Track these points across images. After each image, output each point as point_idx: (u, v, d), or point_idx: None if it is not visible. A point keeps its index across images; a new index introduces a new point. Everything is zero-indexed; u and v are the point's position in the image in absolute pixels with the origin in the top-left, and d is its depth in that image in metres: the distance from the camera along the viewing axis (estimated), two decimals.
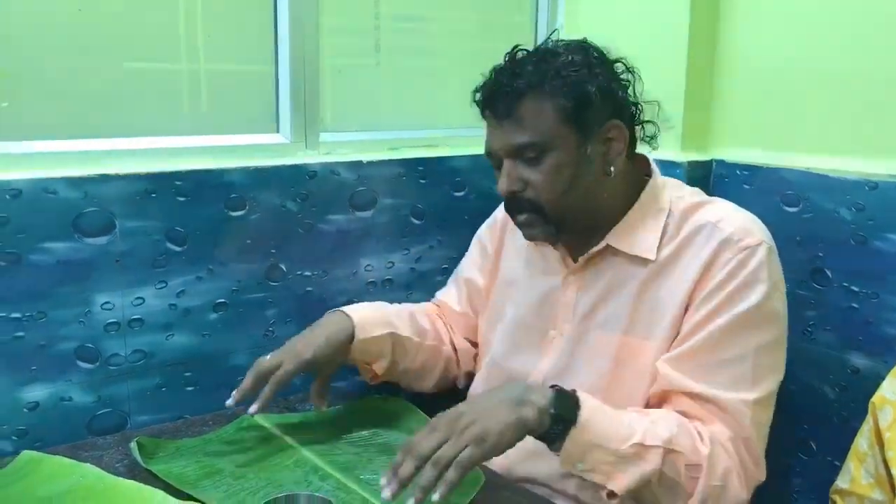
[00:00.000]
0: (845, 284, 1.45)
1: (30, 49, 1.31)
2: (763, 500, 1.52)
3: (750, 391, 1.14)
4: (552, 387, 1.06)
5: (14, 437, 1.28)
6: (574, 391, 1.07)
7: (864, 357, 1.43)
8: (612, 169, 1.20)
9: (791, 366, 1.52)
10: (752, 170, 1.60)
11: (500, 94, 1.18)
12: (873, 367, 1.41)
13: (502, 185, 1.20)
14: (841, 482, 1.19)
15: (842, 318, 1.46)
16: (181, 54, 1.48)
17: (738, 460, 1.12)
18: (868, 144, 1.44)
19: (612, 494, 1.06)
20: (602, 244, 1.24)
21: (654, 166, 1.29)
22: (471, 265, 1.49)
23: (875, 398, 1.14)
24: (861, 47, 1.44)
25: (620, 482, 1.05)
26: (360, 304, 1.41)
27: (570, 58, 1.18)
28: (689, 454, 1.08)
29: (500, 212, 1.46)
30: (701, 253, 1.18)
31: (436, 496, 0.97)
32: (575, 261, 1.28)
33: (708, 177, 1.66)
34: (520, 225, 1.24)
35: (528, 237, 1.26)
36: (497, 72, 1.21)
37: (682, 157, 1.65)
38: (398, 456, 1.02)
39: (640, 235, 1.22)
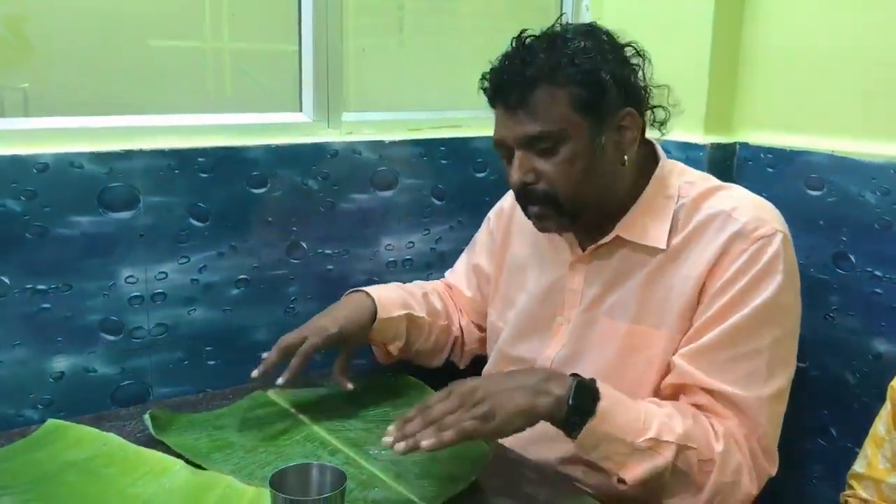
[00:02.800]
0: (869, 269, 1.43)
1: (56, 28, 1.33)
2: (782, 485, 1.52)
3: (765, 386, 1.13)
4: (573, 375, 1.07)
5: (40, 406, 1.31)
6: (594, 381, 1.07)
7: (886, 343, 1.42)
8: (625, 157, 1.18)
9: (812, 351, 1.52)
10: (776, 153, 1.58)
11: (511, 84, 1.14)
12: (895, 353, 1.40)
13: (514, 177, 1.17)
14: (858, 466, 1.18)
15: (865, 303, 1.44)
16: (206, 33, 1.50)
17: (749, 457, 1.12)
18: (895, 127, 1.42)
19: (622, 481, 1.06)
20: (611, 235, 1.22)
21: (660, 151, 1.26)
22: (481, 250, 1.49)
23: (894, 382, 1.13)
24: (889, 29, 1.42)
25: (633, 473, 1.05)
26: (377, 285, 1.42)
27: (581, 44, 1.14)
28: (703, 449, 1.07)
29: (506, 200, 1.46)
30: (714, 243, 1.15)
31: (424, 443, 0.99)
32: (583, 249, 1.26)
33: (731, 160, 1.64)
34: (532, 217, 1.21)
35: (541, 229, 1.24)
36: (507, 59, 1.16)
37: (705, 139, 1.63)
38: (411, 411, 1.04)
39: (649, 225, 1.20)
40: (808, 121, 1.55)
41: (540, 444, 1.22)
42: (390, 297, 1.38)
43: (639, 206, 1.21)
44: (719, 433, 1.10)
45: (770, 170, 1.59)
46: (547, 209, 1.18)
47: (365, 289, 1.38)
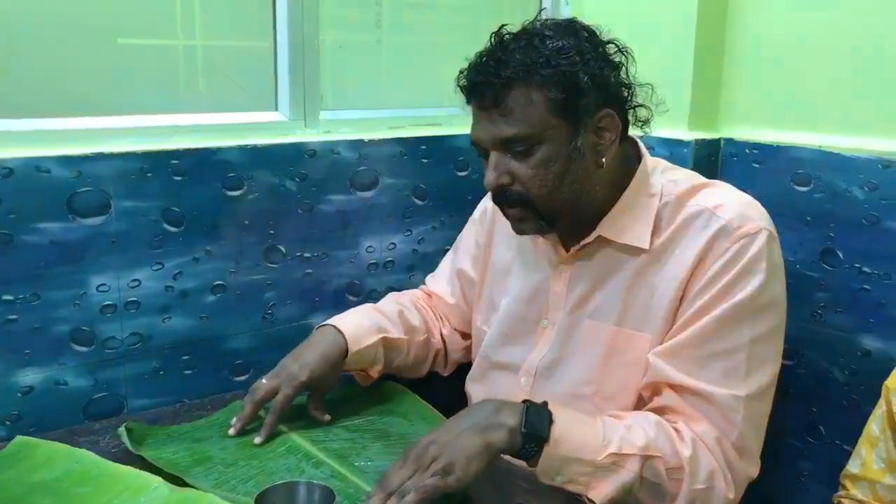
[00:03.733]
0: (857, 265, 1.42)
1: (21, 25, 1.27)
2: (771, 484, 1.51)
3: (742, 385, 1.10)
4: (524, 402, 1.05)
5: (8, 423, 1.26)
6: (545, 404, 1.05)
7: (875, 339, 1.41)
8: (603, 160, 1.14)
9: (800, 348, 1.50)
10: (763, 148, 1.56)
11: (486, 84, 1.10)
12: (885, 350, 1.39)
13: (489, 178, 1.14)
14: (852, 467, 1.17)
15: (853, 299, 1.43)
16: (177, 30, 1.44)
17: (723, 460, 1.09)
18: (882, 122, 1.41)
19: (592, 502, 1.04)
20: (593, 235, 1.19)
21: (643, 149, 1.23)
22: (464, 255, 1.45)
23: (889, 382, 1.11)
24: (875, 24, 1.41)
25: (600, 491, 1.03)
26: (348, 312, 1.37)
27: (559, 43, 1.09)
28: (669, 457, 1.05)
29: (488, 201, 1.42)
30: (697, 241, 1.13)
31: None
32: (567, 250, 1.24)
33: (716, 156, 1.62)
34: (509, 218, 1.19)
35: (518, 231, 1.21)
36: (483, 58, 1.12)
37: (689, 135, 1.61)
38: (372, 489, 1.01)
39: (631, 224, 1.17)
40: (795, 116, 1.54)
41: None
42: (362, 326, 1.33)
43: (621, 206, 1.18)
44: (686, 438, 1.07)
45: (756, 165, 1.57)
46: (524, 212, 1.15)
47: (335, 321, 1.32)
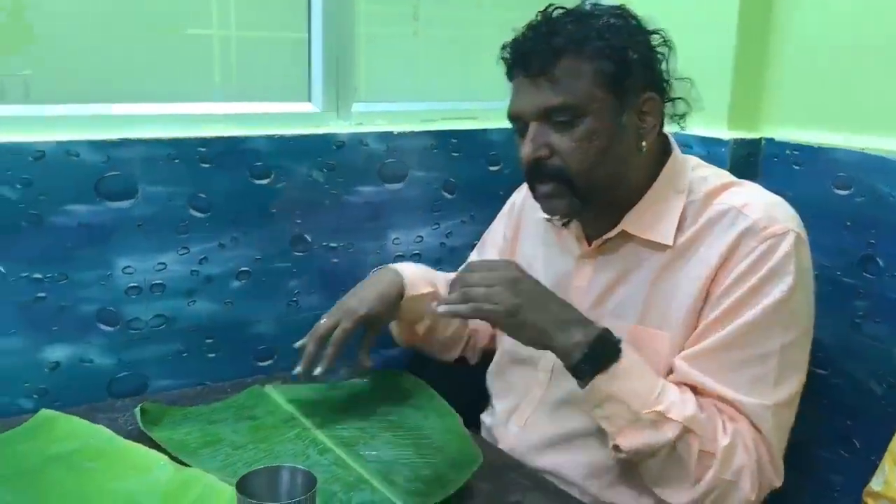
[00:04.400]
0: None
1: (59, 15, 1.32)
2: (801, 496, 1.46)
3: (771, 394, 1.07)
4: (603, 329, 1.07)
5: (35, 396, 1.31)
6: (619, 341, 1.06)
7: None
8: (643, 144, 1.13)
9: (836, 358, 1.45)
10: (803, 149, 1.50)
11: (535, 51, 1.08)
12: None
13: (526, 149, 1.11)
14: (874, 484, 1.12)
15: (893, 309, 1.37)
16: (213, 21, 1.47)
17: (755, 461, 1.07)
18: None
19: (617, 447, 1.05)
20: (617, 230, 1.17)
21: (674, 145, 1.20)
22: (490, 248, 1.45)
23: None
24: None
25: (629, 441, 1.04)
26: (406, 263, 1.40)
27: (610, 21, 1.11)
28: (707, 441, 1.04)
29: (518, 194, 1.41)
30: (722, 240, 1.09)
31: (442, 308, 1.08)
32: (590, 244, 1.22)
33: (756, 156, 1.57)
34: (541, 197, 1.15)
35: (549, 210, 1.18)
36: (532, 28, 1.11)
37: (728, 134, 1.56)
38: (456, 275, 1.12)
39: (656, 220, 1.15)
40: (838, 116, 1.47)
41: (548, 454, 1.20)
42: (418, 274, 1.36)
43: (647, 200, 1.16)
44: (728, 430, 1.05)
45: (796, 167, 1.51)
46: (558, 188, 1.12)
47: (394, 265, 1.36)
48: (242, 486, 0.84)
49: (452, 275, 1.43)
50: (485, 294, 1.05)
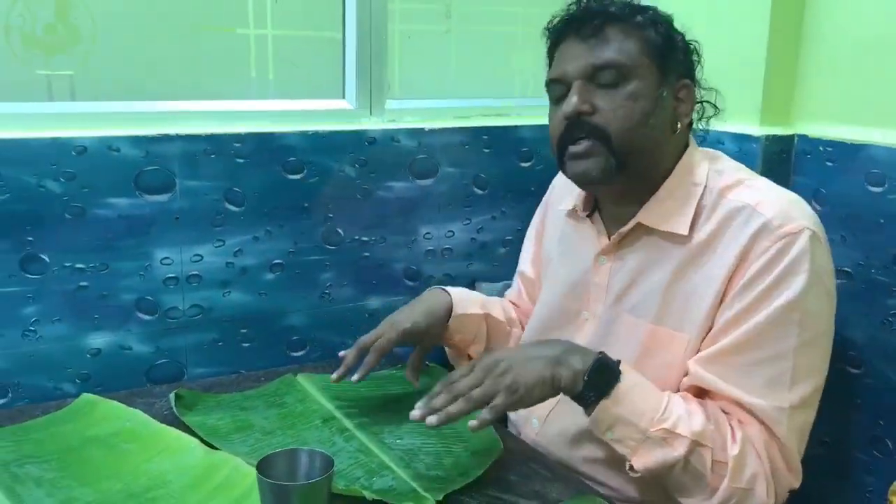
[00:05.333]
0: None
1: (103, 15, 1.38)
2: (832, 497, 1.44)
3: (787, 395, 1.06)
4: (599, 353, 1.06)
5: (77, 381, 1.36)
6: (618, 363, 1.06)
7: None
8: (678, 125, 1.15)
9: (868, 357, 1.43)
10: (837, 146, 1.48)
11: (590, 14, 1.13)
12: None
13: (570, 104, 1.10)
14: None
15: None
16: (250, 20, 1.51)
17: (769, 466, 1.06)
18: None
19: (632, 468, 1.05)
20: (634, 222, 1.17)
21: (691, 138, 1.21)
22: (525, 256, 1.46)
23: None
24: None
25: (643, 460, 1.03)
26: (458, 288, 1.41)
27: (655, 9, 1.16)
28: (718, 451, 1.03)
29: (550, 192, 1.43)
30: (737, 239, 1.09)
31: (452, 408, 1.02)
32: (609, 238, 1.22)
33: (788, 153, 1.55)
34: (575, 157, 1.13)
35: (582, 171, 1.13)
36: (583, 2, 1.16)
37: (760, 131, 1.55)
38: (437, 387, 1.07)
39: (671, 212, 1.15)
40: (873, 112, 1.45)
41: (570, 447, 1.21)
42: (468, 296, 1.37)
43: (664, 191, 1.16)
44: (737, 438, 1.05)
45: (829, 164, 1.49)
46: (595, 146, 1.11)
47: (445, 287, 1.38)
48: (263, 468, 0.88)
49: (507, 301, 1.47)
50: (482, 391, 1.03)
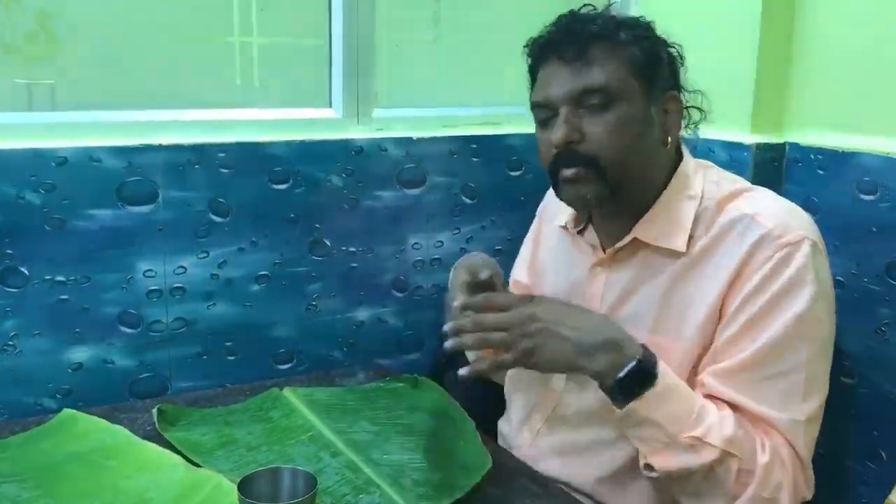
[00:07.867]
0: None
1: (84, 23, 1.36)
2: None
3: (800, 408, 1.05)
4: (640, 356, 1.02)
5: (58, 396, 1.34)
6: (655, 365, 1.02)
7: None
8: (669, 139, 1.13)
9: (862, 367, 1.42)
10: (828, 154, 1.47)
11: (572, 36, 1.09)
12: None
13: (558, 134, 1.07)
14: (893, 496, 1.09)
15: None
16: (234, 27, 1.50)
17: (791, 476, 1.05)
18: None
19: (649, 466, 1.03)
20: (629, 237, 1.15)
21: (684, 149, 1.19)
22: (521, 261, 1.44)
23: None
24: None
25: (664, 462, 1.02)
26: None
27: (636, 20, 1.14)
28: (747, 459, 1.02)
29: (545, 200, 1.40)
30: (736, 249, 1.07)
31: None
32: (604, 251, 1.20)
33: (779, 161, 1.54)
34: (567, 181, 1.11)
35: (574, 197, 1.12)
36: (565, 18, 1.13)
37: (751, 138, 1.54)
38: (478, 297, 1.09)
39: (668, 227, 1.13)
40: (864, 120, 1.45)
41: (558, 461, 1.20)
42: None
43: (659, 205, 1.15)
44: (767, 447, 1.03)
45: (820, 172, 1.48)
46: (587, 172, 1.09)
47: None
48: (244, 487, 0.85)
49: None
50: (499, 340, 1.03)
